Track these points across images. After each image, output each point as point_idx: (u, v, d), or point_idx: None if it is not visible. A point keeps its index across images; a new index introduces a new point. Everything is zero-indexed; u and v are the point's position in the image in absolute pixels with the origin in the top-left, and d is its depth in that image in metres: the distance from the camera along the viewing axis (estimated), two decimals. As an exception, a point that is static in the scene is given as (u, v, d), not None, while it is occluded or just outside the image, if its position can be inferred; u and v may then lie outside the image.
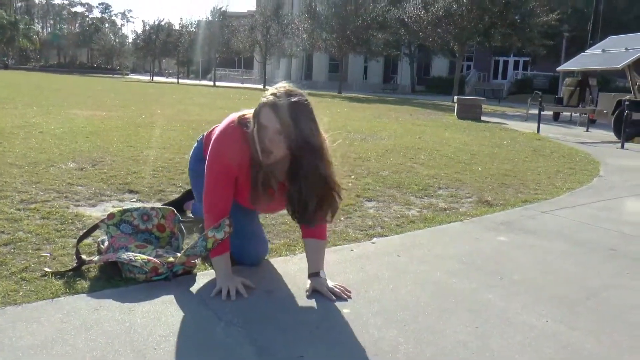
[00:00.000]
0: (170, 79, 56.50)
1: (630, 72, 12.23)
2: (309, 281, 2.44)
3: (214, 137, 2.40)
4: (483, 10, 26.01)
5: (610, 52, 13.55)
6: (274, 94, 2.15)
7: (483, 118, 15.54)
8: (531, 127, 12.66)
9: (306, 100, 2.18)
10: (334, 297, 2.33)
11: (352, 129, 10.14)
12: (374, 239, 3.29)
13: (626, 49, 12.74)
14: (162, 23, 55.18)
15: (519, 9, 26.68)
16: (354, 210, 3.98)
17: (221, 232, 2.32)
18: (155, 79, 55.99)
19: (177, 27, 53.00)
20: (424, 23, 28.00)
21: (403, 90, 42.68)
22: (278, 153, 2.17)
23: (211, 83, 45.56)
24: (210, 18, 45.17)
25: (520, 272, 2.83)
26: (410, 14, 28.94)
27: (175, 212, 2.85)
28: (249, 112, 2.29)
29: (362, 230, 3.45)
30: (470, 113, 15.36)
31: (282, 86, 2.19)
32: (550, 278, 2.76)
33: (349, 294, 2.38)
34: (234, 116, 2.36)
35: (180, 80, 51.37)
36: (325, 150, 2.23)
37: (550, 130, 12.59)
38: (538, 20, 27.28)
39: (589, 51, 15.32)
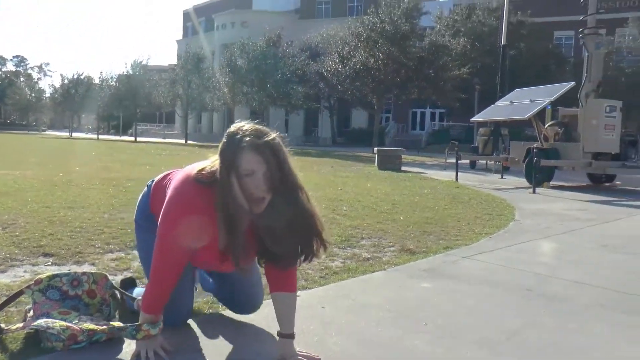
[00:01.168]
0: (90, 135, 55.10)
1: (535, 121, 13.01)
2: (277, 340, 2.25)
3: (167, 194, 2.15)
4: (399, 65, 27.10)
5: (517, 104, 14.38)
6: (250, 135, 1.96)
7: (403, 168, 15.95)
8: (450, 175, 13.12)
9: (277, 138, 2.04)
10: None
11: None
12: (298, 293, 3.27)
13: (531, 100, 13.57)
14: (82, 77, 54.09)
15: (432, 63, 28.00)
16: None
17: (156, 329, 2.15)
18: (75, 134, 54.44)
19: (97, 80, 51.96)
20: (342, 77, 28.84)
21: (324, 143, 43.33)
22: (268, 197, 1.98)
23: (132, 138, 44.78)
24: (130, 72, 44.65)
25: (444, 316, 2.88)
26: (329, 68, 29.75)
27: (108, 277, 2.67)
28: (206, 165, 2.07)
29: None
30: (390, 163, 15.73)
31: (247, 127, 2.01)
32: (473, 321, 2.83)
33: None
34: (188, 170, 2.13)
35: (101, 136, 50.19)
36: (306, 190, 2.13)
37: (467, 178, 13.10)
38: (451, 74, 28.71)
39: (499, 103, 16.19)
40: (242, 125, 2.01)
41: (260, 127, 2.02)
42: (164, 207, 2.12)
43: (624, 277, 3.92)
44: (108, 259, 3.88)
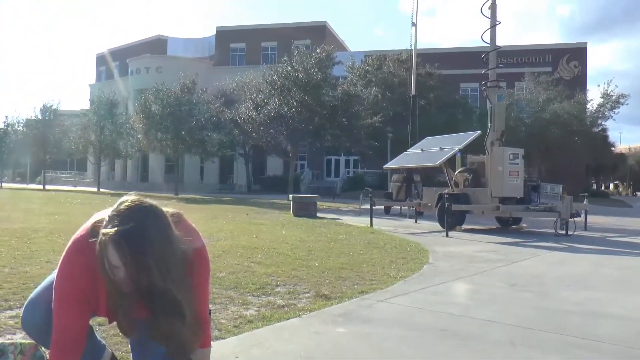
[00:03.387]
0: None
1: (446, 168, 13.51)
2: None
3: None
4: (312, 113, 27.53)
5: (428, 151, 14.91)
6: (117, 225, 1.80)
7: (318, 214, 16.00)
8: (364, 221, 13.27)
9: (157, 218, 1.87)
10: None
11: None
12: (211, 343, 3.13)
13: (441, 148, 14.11)
14: (-16, 122, 51.16)
15: (345, 112, 28.65)
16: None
17: None
18: (-28, 184, 51.29)
19: (1, 125, 49.30)
20: (257, 124, 28.92)
21: (240, 190, 43.00)
22: (136, 292, 1.87)
23: (41, 186, 42.60)
24: (40, 116, 42.74)
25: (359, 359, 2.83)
26: (243, 115, 29.81)
27: (38, 346, 2.30)
28: (104, 216, 1.91)
29: (198, 334, 3.26)
30: (305, 210, 15.73)
31: (121, 210, 1.85)
32: (388, 365, 2.80)
33: None
34: (92, 220, 2.02)
35: (5, 184, 47.39)
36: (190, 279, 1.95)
37: (382, 223, 13.30)
38: (363, 122, 29.46)
39: (410, 150, 16.72)
40: (120, 205, 1.87)
41: (137, 205, 1.86)
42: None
43: (531, 314, 4.04)
44: (6, 317, 3.56)
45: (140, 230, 1.80)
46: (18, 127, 46.03)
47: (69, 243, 2.03)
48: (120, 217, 1.82)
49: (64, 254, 2.03)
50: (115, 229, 1.79)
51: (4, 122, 47.09)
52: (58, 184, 49.92)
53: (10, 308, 3.80)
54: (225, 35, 53.41)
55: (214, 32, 55.24)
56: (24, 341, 2.39)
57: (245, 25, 53.82)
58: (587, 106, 38.23)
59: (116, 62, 57.63)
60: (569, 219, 11.15)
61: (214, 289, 4.63)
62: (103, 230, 1.82)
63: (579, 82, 40.53)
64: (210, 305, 4.06)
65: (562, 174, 35.16)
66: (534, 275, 6.05)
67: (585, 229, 12.31)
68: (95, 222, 1.97)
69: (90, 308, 2.05)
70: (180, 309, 1.91)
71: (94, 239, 1.87)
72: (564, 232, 11.00)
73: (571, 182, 32.42)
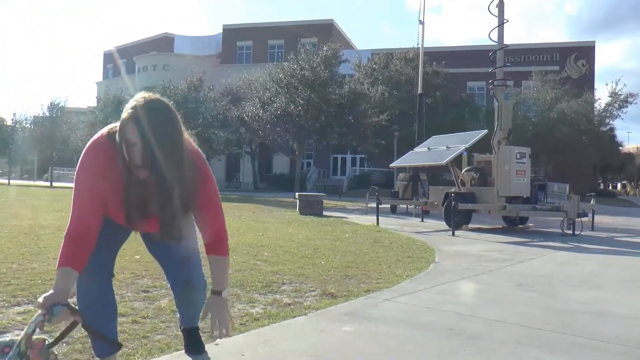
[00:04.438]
0: (0, 180, 52.24)
1: (452, 167, 13.48)
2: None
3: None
4: (319, 111, 27.51)
5: (434, 150, 14.88)
6: (137, 107, 2.02)
7: (325, 213, 16.00)
8: (371, 219, 13.26)
9: (169, 109, 2.08)
10: (216, 333, 2.33)
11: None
12: (217, 340, 3.13)
13: (447, 147, 14.08)
14: (-9, 118, 51.34)
15: (352, 110, 28.62)
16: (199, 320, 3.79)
17: (32, 325, 1.86)
18: (-19, 180, 51.53)
19: (9, 122, 49.44)
20: (263, 122, 28.92)
21: (246, 188, 43.04)
22: (145, 169, 2.04)
23: (48, 184, 42.75)
24: (47, 114, 42.86)
25: (365, 359, 2.83)
26: (250, 113, 29.80)
27: (46, 340, 2.06)
28: (118, 124, 2.14)
29: (205, 332, 3.26)
30: (312, 208, 15.73)
31: (144, 96, 2.07)
32: (394, 364, 2.80)
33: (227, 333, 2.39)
34: (103, 130, 2.24)
35: (13, 181, 47.59)
36: (189, 162, 2.15)
37: (388, 222, 13.29)
38: (370, 120, 29.42)
39: (417, 149, 16.68)
40: (143, 94, 2.09)
41: (154, 97, 2.07)
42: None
43: (537, 313, 4.03)
44: (14, 313, 3.57)
45: (155, 111, 2.03)
46: (26, 124, 46.12)
47: (88, 144, 2.23)
48: (138, 101, 2.04)
49: (82, 154, 2.21)
50: (134, 109, 2.01)
51: (12, 119, 47.21)
52: (65, 181, 50.09)
53: (18, 304, 3.82)
54: (232, 33, 53.45)
55: (221, 30, 55.27)
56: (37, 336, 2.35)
57: (252, 23, 53.83)
58: (595, 105, 38.07)
59: (123, 59, 57.74)
60: (576, 219, 11.10)
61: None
62: (124, 113, 2.03)
63: (587, 80, 40.35)
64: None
65: (569, 173, 35.06)
66: (541, 274, 6.04)
67: (593, 229, 12.26)
68: (110, 128, 2.21)
69: (102, 208, 2.21)
70: (174, 196, 2.10)
71: (111, 133, 2.15)
72: (570, 232, 10.96)
73: (578, 182, 32.35)
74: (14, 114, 50.42)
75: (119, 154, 2.07)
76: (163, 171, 2.03)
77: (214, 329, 2.36)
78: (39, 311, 1.90)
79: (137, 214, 2.19)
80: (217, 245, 2.43)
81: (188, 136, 2.20)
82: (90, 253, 2.16)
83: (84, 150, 2.21)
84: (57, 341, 2.05)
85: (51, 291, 1.97)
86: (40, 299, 1.92)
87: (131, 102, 2.05)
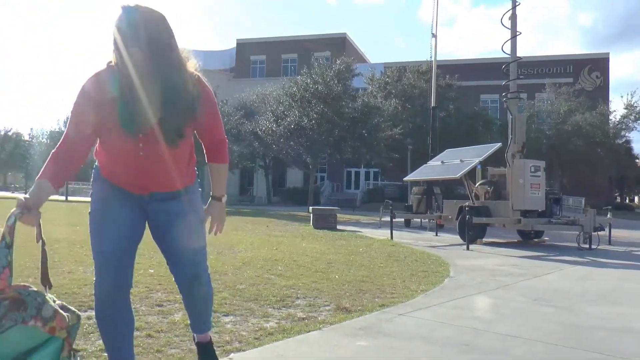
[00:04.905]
0: (16, 194, 52.65)
1: (466, 180, 13.41)
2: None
3: None
4: (332, 125, 27.55)
5: (448, 164, 14.82)
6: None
7: (338, 227, 15.95)
8: (385, 233, 13.21)
9: (166, 20, 2.25)
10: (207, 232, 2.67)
11: (208, 243, 9.90)
12: (232, 355, 3.14)
13: (461, 160, 14.02)
14: (10, 133, 52.02)
15: (365, 123, 28.64)
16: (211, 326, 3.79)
17: (12, 218, 2.10)
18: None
19: (26, 137, 50.09)
20: (277, 136, 29.00)
21: (259, 202, 43.09)
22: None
23: (63, 197, 43.10)
24: (63, 129, 43.38)
25: (381, 376, 2.81)
26: (263, 127, 29.90)
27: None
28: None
29: (219, 347, 3.27)
30: (325, 222, 15.70)
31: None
32: (410, 380, 2.77)
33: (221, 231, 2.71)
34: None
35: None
36: (184, 64, 2.37)
37: (402, 236, 13.23)
38: (383, 134, 29.42)
39: (430, 162, 16.63)
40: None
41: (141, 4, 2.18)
42: None
43: (554, 329, 3.98)
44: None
45: (149, 17, 2.18)
46: (42, 139, 46.70)
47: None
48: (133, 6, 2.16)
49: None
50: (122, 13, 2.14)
51: (29, 134, 47.83)
52: (80, 195, 50.47)
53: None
54: (245, 48, 53.86)
55: (235, 45, 55.70)
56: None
57: (266, 38, 54.23)
58: (610, 117, 37.81)
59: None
60: (592, 233, 10.99)
61: (234, 301, 4.65)
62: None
63: (601, 92, 40.10)
64: (231, 317, 4.08)
65: (585, 186, 34.74)
66: (557, 289, 5.97)
67: (610, 243, 12.12)
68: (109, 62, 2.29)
69: (93, 133, 2.32)
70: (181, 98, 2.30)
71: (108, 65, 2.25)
72: (587, 246, 10.83)
73: (594, 195, 32.03)
74: (31, 129, 51.07)
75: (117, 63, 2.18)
76: (165, 66, 2.22)
77: (211, 229, 2.68)
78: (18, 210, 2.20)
79: (140, 119, 2.25)
80: (218, 153, 2.65)
81: (188, 55, 2.45)
82: (72, 172, 2.35)
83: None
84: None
85: (27, 196, 2.29)
86: (18, 202, 2.22)
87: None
